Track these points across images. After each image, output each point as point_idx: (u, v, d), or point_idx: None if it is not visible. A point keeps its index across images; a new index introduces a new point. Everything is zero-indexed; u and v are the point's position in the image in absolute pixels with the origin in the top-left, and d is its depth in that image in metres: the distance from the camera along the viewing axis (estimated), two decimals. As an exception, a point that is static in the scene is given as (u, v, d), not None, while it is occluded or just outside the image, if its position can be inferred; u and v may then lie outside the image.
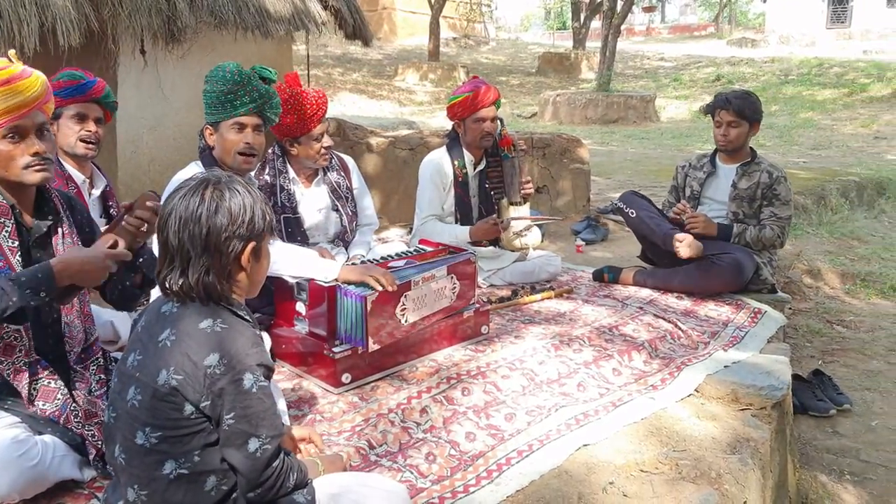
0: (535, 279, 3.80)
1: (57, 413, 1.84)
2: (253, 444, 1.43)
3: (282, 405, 2.10)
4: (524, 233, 3.82)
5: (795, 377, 3.32)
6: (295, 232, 3.14)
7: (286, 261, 2.49)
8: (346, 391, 2.41)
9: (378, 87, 17.46)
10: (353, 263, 2.73)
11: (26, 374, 1.83)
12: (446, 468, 1.98)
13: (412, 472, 1.95)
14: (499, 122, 3.77)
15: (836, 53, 21.65)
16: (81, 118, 2.68)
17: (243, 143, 2.53)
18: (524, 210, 3.84)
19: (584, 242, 4.85)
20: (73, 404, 1.87)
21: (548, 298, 3.53)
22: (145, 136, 4.58)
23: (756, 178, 3.65)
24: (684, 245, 3.49)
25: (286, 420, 2.07)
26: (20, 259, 1.85)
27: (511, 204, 3.79)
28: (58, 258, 1.81)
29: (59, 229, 1.97)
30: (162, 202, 1.71)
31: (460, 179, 3.70)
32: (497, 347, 2.79)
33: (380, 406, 2.30)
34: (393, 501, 1.59)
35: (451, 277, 2.70)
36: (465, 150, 3.72)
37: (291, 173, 3.16)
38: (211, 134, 2.59)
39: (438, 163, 3.69)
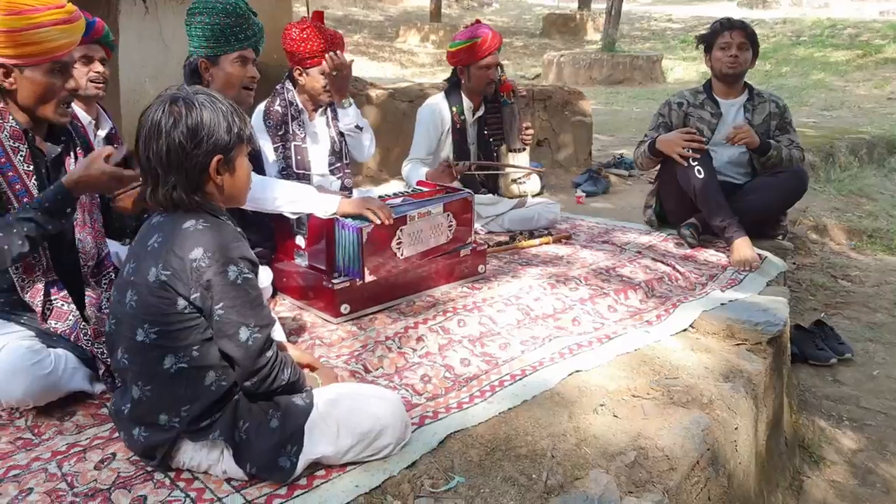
0: (533, 226, 3.80)
1: (68, 332, 1.91)
2: (244, 333, 1.48)
3: (280, 335, 2.13)
4: (523, 180, 3.83)
5: (797, 327, 3.35)
6: (303, 160, 3.21)
7: (285, 197, 2.50)
8: (345, 321, 2.44)
9: (379, 48, 17.28)
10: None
11: (42, 293, 1.90)
12: (441, 388, 2.02)
13: (408, 391, 1.99)
14: (499, 68, 3.75)
15: (850, 14, 21.27)
16: (88, 60, 2.71)
17: (247, 77, 2.54)
18: (524, 157, 3.83)
19: (584, 194, 4.85)
20: (84, 324, 1.94)
21: (546, 244, 3.54)
22: (147, 84, 4.56)
23: (767, 109, 3.59)
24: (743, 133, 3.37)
25: (281, 335, 2.11)
26: (36, 182, 1.92)
27: (510, 151, 3.78)
28: (68, 175, 1.87)
29: (72, 153, 2.05)
30: None
31: (458, 126, 3.69)
32: (493, 285, 2.82)
33: (377, 334, 2.33)
34: (386, 407, 1.64)
35: (448, 215, 2.71)
36: (464, 96, 3.70)
37: (299, 104, 3.22)
38: (207, 68, 2.54)
39: (436, 108, 3.68)
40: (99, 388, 1.91)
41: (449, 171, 3.55)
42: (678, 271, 3.08)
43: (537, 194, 3.99)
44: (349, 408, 1.61)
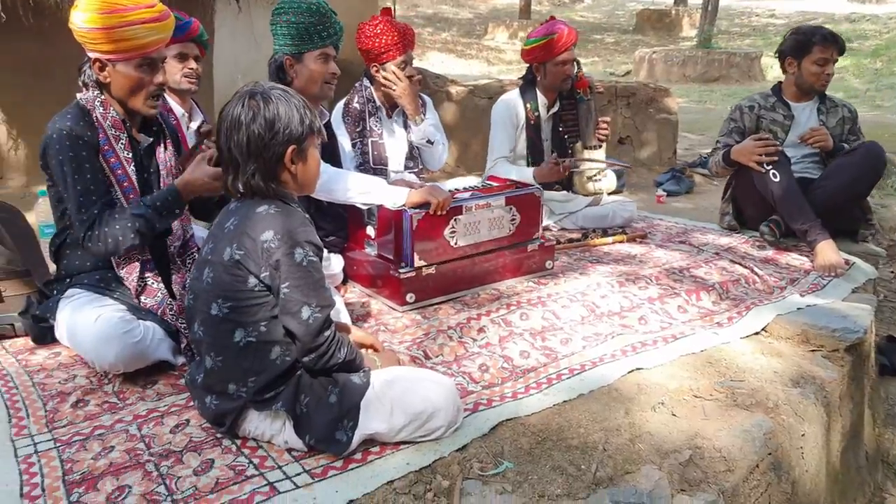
0: (607, 224, 3.77)
1: (156, 307, 2.07)
2: (306, 312, 1.58)
3: (346, 317, 2.23)
4: (598, 177, 3.79)
5: (890, 339, 3.19)
6: (379, 156, 3.32)
7: (357, 188, 2.58)
8: (410, 309, 2.52)
9: (467, 46, 17.38)
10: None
11: (137, 270, 2.07)
12: (498, 377, 2.05)
13: (465, 378, 2.03)
14: (575, 63, 3.73)
15: (970, 9, 19.73)
16: (183, 57, 2.89)
17: (329, 73, 2.66)
18: (599, 154, 3.79)
19: (665, 193, 4.75)
20: (170, 300, 2.10)
21: (619, 242, 3.50)
22: (239, 80, 4.80)
23: (839, 113, 3.54)
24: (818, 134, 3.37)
25: (346, 318, 2.21)
26: (134, 168, 2.10)
27: (585, 148, 3.76)
28: (179, 179, 2.07)
29: (162, 143, 2.23)
30: None
31: (532, 122, 3.69)
32: (560, 281, 2.82)
33: (440, 324, 2.39)
34: (439, 391, 1.69)
35: (510, 209, 2.74)
36: (538, 93, 3.70)
37: (377, 101, 3.33)
38: (292, 65, 2.66)
39: (511, 105, 3.69)
40: (180, 360, 2.06)
41: (557, 169, 3.56)
42: (756, 274, 2.98)
43: (613, 192, 3.95)
44: (404, 389, 1.67)
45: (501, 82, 5.84)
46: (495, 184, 3.05)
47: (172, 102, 2.98)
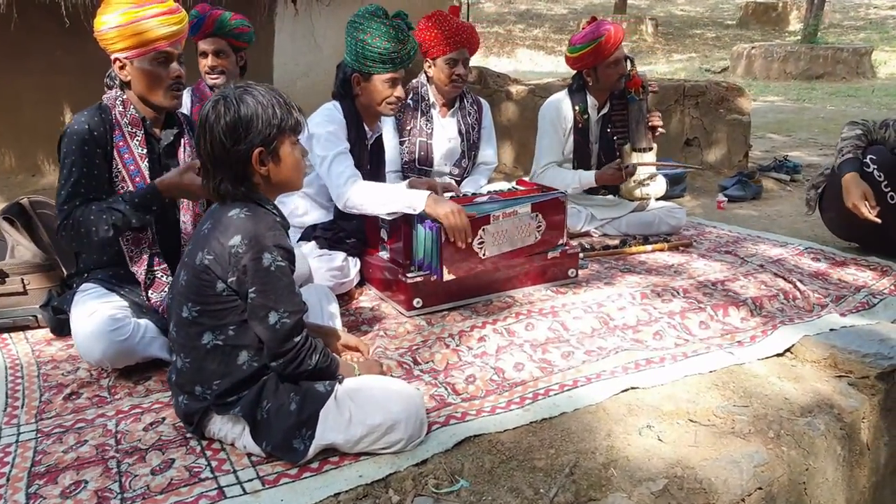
0: (653, 231, 3.62)
1: (159, 303, 2.15)
2: (273, 317, 1.59)
3: (334, 308, 2.23)
4: (646, 182, 3.63)
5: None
6: (426, 157, 3.35)
7: (374, 200, 2.52)
8: (417, 315, 2.50)
9: (558, 42, 17.09)
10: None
11: (146, 263, 2.17)
12: (482, 390, 2.00)
13: (447, 389, 2.00)
14: (629, 61, 3.59)
15: None
16: (203, 54, 2.99)
17: (395, 97, 2.67)
18: (650, 157, 3.63)
19: (726, 199, 4.50)
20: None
21: (660, 250, 3.36)
22: (298, 82, 4.93)
23: None
24: None
25: (338, 324, 2.21)
26: (148, 164, 2.19)
27: (634, 150, 3.60)
28: (160, 179, 2.13)
29: (182, 141, 2.31)
30: None
31: (580, 125, 3.58)
32: (580, 291, 2.73)
33: (442, 331, 2.36)
34: (402, 404, 1.66)
35: (536, 216, 2.67)
36: (588, 95, 3.58)
37: (431, 98, 3.36)
38: (359, 83, 2.67)
39: (558, 107, 3.59)
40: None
41: (620, 173, 3.46)
42: (798, 289, 2.77)
43: (672, 198, 3.77)
44: (365, 399, 1.66)
45: (565, 80, 5.70)
46: (521, 187, 2.99)
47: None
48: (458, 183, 3.45)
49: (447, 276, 2.49)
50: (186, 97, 3.12)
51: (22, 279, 2.33)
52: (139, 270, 2.16)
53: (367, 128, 2.76)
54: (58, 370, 2.10)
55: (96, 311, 2.00)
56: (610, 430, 1.84)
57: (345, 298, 2.69)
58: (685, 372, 2.13)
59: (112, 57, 2.14)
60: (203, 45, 3.03)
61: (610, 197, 3.72)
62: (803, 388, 2.10)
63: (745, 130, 5.19)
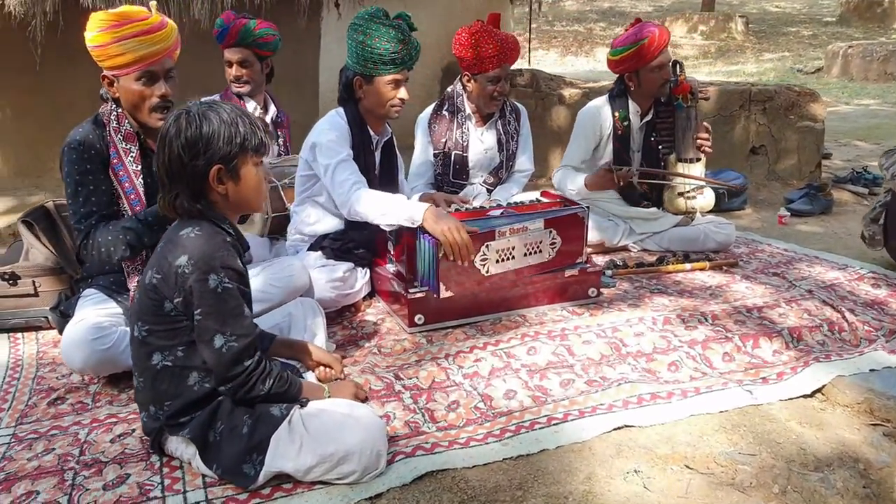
0: (698, 247, 3.39)
1: None
2: (218, 340, 1.54)
3: (317, 323, 2.15)
4: (693, 194, 3.40)
5: None
6: (461, 168, 3.30)
7: (377, 210, 2.44)
8: (419, 332, 2.41)
9: (640, 41, 16.53)
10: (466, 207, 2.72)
11: (137, 279, 2.15)
12: (462, 419, 1.89)
13: (424, 416, 1.90)
14: (677, 65, 3.38)
15: None
16: (229, 63, 3.00)
17: (398, 99, 2.61)
18: (697, 169, 3.40)
19: (789, 213, 4.18)
20: None
21: (700, 269, 3.13)
22: (346, 84, 4.91)
23: None
24: None
25: (321, 339, 2.13)
26: (142, 181, 2.17)
27: (680, 160, 3.38)
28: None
29: None
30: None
31: (620, 132, 3.39)
32: (598, 312, 2.57)
33: (439, 350, 2.27)
34: (358, 435, 1.58)
35: (550, 232, 2.53)
36: (630, 101, 3.39)
37: (468, 110, 3.28)
38: (361, 86, 2.61)
39: (596, 113, 3.43)
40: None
41: (609, 177, 3.30)
42: (846, 320, 2.51)
43: (710, 211, 3.53)
44: (319, 427, 1.59)
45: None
46: (546, 199, 2.85)
47: (248, 98, 3.13)
48: (490, 192, 3.35)
49: (444, 294, 2.38)
50: None
51: (33, 281, 2.40)
52: (132, 286, 2.15)
53: (371, 132, 2.69)
54: (53, 373, 2.14)
55: (84, 318, 2.02)
56: (591, 473, 1.70)
57: (351, 310, 2.64)
58: (692, 411, 1.95)
59: (101, 73, 2.12)
60: (228, 55, 3.04)
61: (653, 210, 3.51)
62: (826, 436, 1.88)
63: (817, 138, 4.81)
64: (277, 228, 2.90)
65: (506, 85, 3.25)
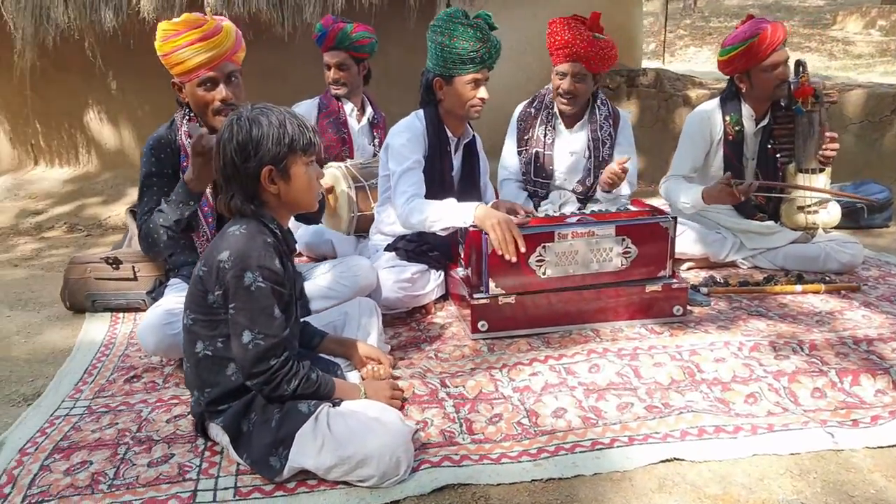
0: (818, 268, 3.07)
1: None
2: (246, 336, 1.61)
3: (372, 322, 2.17)
4: (814, 208, 3.09)
5: None
6: (541, 167, 3.22)
7: (428, 218, 2.45)
8: (483, 338, 2.38)
9: (805, 38, 15.24)
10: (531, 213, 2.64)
11: None
12: (501, 433, 1.83)
13: (462, 426, 1.86)
14: (800, 66, 3.09)
15: None
16: (327, 66, 3.12)
17: (478, 98, 2.60)
18: (821, 180, 3.08)
19: (940, 233, 3.68)
20: None
21: (814, 292, 2.83)
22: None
23: None
24: None
25: (374, 338, 2.15)
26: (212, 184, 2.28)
27: (800, 171, 3.08)
28: (186, 174, 2.15)
29: None
30: None
31: (731, 138, 3.14)
32: (680, 333, 2.40)
33: (497, 360, 2.22)
34: (380, 440, 1.59)
35: (623, 240, 2.39)
36: (744, 104, 3.13)
37: (555, 108, 3.21)
38: (441, 87, 2.62)
39: (706, 117, 3.20)
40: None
41: (729, 191, 3.05)
42: (977, 362, 2.17)
43: (836, 227, 3.19)
44: (343, 427, 1.61)
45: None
46: (634, 207, 2.71)
47: (346, 100, 3.25)
48: (580, 200, 3.22)
49: (493, 290, 2.34)
50: (313, 107, 3.27)
51: (133, 267, 2.62)
52: None
53: (450, 133, 2.68)
54: (138, 353, 2.33)
55: (161, 304, 2.17)
56: (624, 506, 1.59)
57: (421, 312, 2.65)
58: (757, 450, 1.77)
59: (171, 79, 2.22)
60: (326, 58, 3.16)
61: (769, 223, 3.21)
62: (912, 496, 1.64)
63: None
64: (364, 227, 2.97)
65: (577, 87, 3.07)
